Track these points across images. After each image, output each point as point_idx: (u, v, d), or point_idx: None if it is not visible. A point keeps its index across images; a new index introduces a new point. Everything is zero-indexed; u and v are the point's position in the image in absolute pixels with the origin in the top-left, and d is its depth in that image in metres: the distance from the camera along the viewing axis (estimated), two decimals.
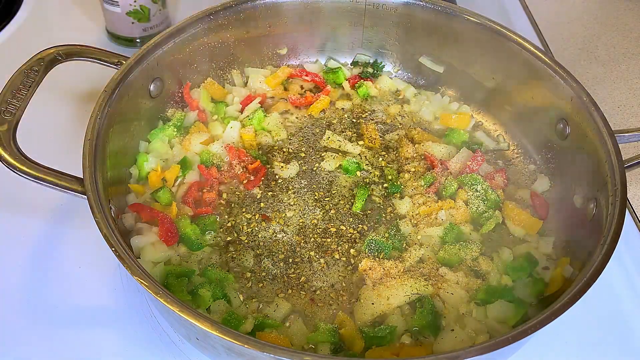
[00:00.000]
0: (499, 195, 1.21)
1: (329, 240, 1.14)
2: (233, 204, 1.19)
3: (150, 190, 1.18)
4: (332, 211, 1.18)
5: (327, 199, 1.21)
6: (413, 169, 1.25)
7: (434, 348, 0.99)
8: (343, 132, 1.33)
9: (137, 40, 1.56)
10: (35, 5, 1.69)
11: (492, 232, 1.17)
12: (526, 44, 1.25)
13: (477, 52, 1.33)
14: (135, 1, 1.48)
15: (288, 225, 1.16)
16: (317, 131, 1.32)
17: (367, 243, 1.12)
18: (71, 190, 0.97)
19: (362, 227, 1.16)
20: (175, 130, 1.28)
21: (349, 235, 1.15)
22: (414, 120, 1.37)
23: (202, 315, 0.83)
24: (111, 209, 1.03)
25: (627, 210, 1.04)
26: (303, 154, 1.28)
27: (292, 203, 1.19)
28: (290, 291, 1.07)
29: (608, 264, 0.92)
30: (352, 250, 1.13)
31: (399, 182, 1.23)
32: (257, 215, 1.17)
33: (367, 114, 1.38)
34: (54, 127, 1.38)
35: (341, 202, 1.20)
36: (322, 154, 1.28)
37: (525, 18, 1.79)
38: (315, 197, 1.21)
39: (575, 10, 1.89)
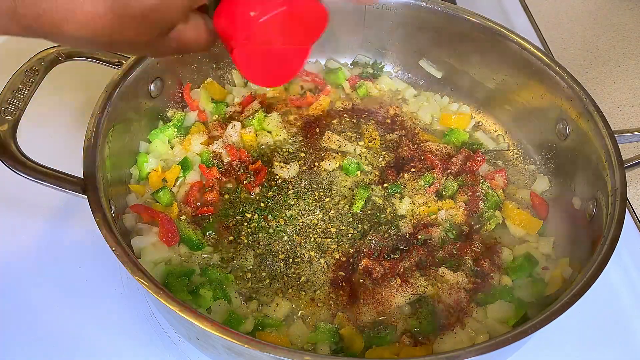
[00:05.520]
0: (499, 195, 1.21)
1: (329, 240, 1.14)
2: (234, 204, 1.19)
3: (150, 191, 1.18)
4: (332, 211, 1.18)
5: (327, 199, 1.21)
6: (413, 169, 1.25)
7: (434, 348, 0.99)
8: (343, 132, 1.33)
9: None
10: None
11: (492, 232, 1.17)
12: (526, 44, 1.25)
13: (477, 52, 1.34)
14: None
15: (288, 225, 1.16)
16: (317, 131, 1.32)
17: (367, 243, 1.12)
18: (71, 190, 0.97)
19: (362, 227, 1.16)
20: (176, 130, 1.28)
21: (349, 235, 1.15)
22: (414, 121, 1.37)
23: (203, 315, 0.83)
24: (111, 209, 1.03)
25: (627, 210, 1.04)
26: (303, 154, 1.28)
27: (292, 203, 1.19)
28: (290, 291, 1.07)
29: (608, 264, 0.92)
30: (352, 250, 1.13)
31: (399, 182, 1.23)
32: (257, 215, 1.17)
33: (367, 114, 1.38)
34: (54, 127, 1.38)
35: (341, 202, 1.20)
36: (322, 154, 1.28)
37: (525, 18, 1.79)
38: (315, 197, 1.21)
39: (575, 10, 1.90)
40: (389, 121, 1.36)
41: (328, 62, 1.48)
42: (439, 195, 1.21)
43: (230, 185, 1.22)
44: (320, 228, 1.16)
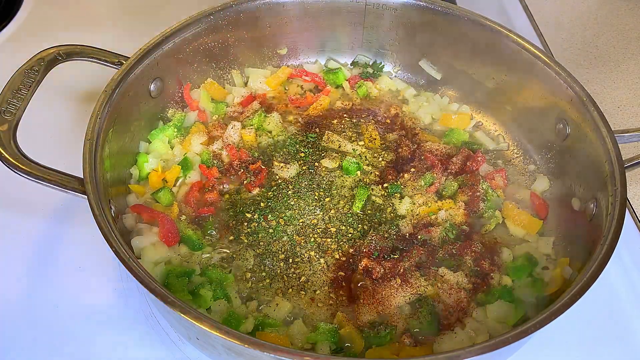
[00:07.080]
0: (499, 195, 1.21)
1: (329, 240, 1.14)
2: (234, 204, 1.19)
3: (150, 191, 1.18)
4: (332, 211, 1.18)
5: (327, 199, 1.20)
6: (413, 169, 1.25)
7: (434, 348, 1.00)
8: (343, 132, 1.33)
9: None
10: (35, 5, 1.69)
11: (492, 232, 1.17)
12: (526, 44, 1.25)
13: (477, 52, 1.33)
14: None
15: (288, 225, 1.16)
16: (317, 131, 1.32)
17: (367, 243, 1.12)
18: (71, 190, 0.97)
19: (362, 227, 1.16)
20: (176, 130, 1.28)
21: (349, 235, 1.15)
22: (414, 121, 1.37)
23: (202, 315, 0.83)
24: (111, 209, 1.03)
25: (627, 210, 1.04)
26: (303, 154, 1.28)
27: (292, 203, 1.19)
28: (290, 291, 1.07)
29: (608, 264, 0.92)
30: (352, 250, 1.13)
31: (399, 182, 1.23)
32: (257, 215, 1.17)
33: (367, 114, 1.38)
34: (54, 127, 1.38)
35: (341, 202, 1.20)
36: (322, 154, 1.28)
37: (525, 18, 1.79)
38: (315, 197, 1.21)
39: (575, 10, 1.90)
40: (389, 121, 1.36)
41: (328, 62, 1.48)
42: (439, 195, 1.21)
43: (230, 186, 1.22)
44: (320, 228, 1.16)
